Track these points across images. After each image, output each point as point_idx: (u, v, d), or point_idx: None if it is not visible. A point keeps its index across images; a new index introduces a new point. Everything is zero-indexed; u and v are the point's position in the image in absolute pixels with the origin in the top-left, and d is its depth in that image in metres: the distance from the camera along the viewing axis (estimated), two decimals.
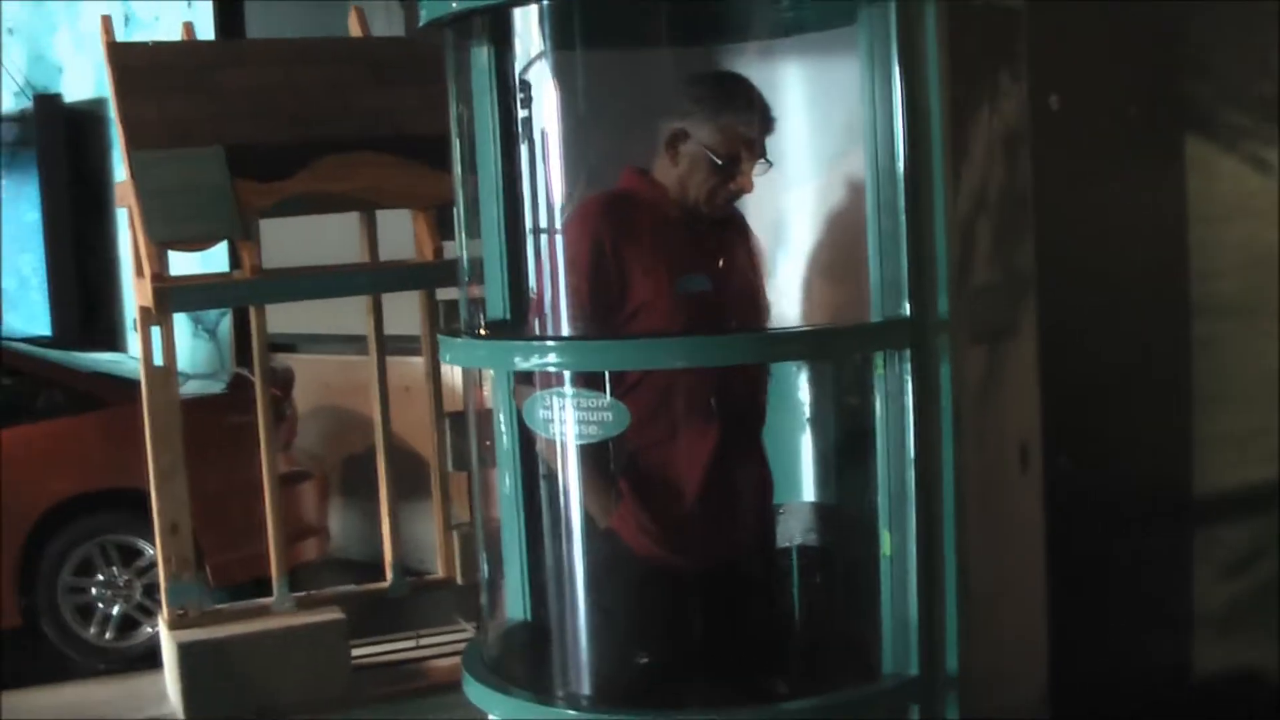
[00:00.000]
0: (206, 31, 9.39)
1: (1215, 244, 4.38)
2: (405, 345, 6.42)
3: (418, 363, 6.04)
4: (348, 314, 6.39)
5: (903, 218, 3.20)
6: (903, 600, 3.29)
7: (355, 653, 5.94)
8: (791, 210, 3.90)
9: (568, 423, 3.36)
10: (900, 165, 3.21)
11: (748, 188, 3.52)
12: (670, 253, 3.54)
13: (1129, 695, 4.31)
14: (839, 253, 3.75)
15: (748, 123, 3.48)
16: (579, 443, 3.40)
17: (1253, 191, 4.30)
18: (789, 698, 3.47)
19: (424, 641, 6.17)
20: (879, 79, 3.21)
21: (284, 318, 6.81)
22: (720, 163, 3.48)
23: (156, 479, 5.70)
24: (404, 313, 5.98)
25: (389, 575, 5.98)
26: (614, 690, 3.51)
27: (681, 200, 3.54)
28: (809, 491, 3.95)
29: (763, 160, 3.52)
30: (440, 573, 6.11)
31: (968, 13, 3.34)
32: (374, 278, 5.84)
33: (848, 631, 3.59)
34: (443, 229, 5.63)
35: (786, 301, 3.90)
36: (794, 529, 3.85)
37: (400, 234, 5.95)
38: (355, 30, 6.25)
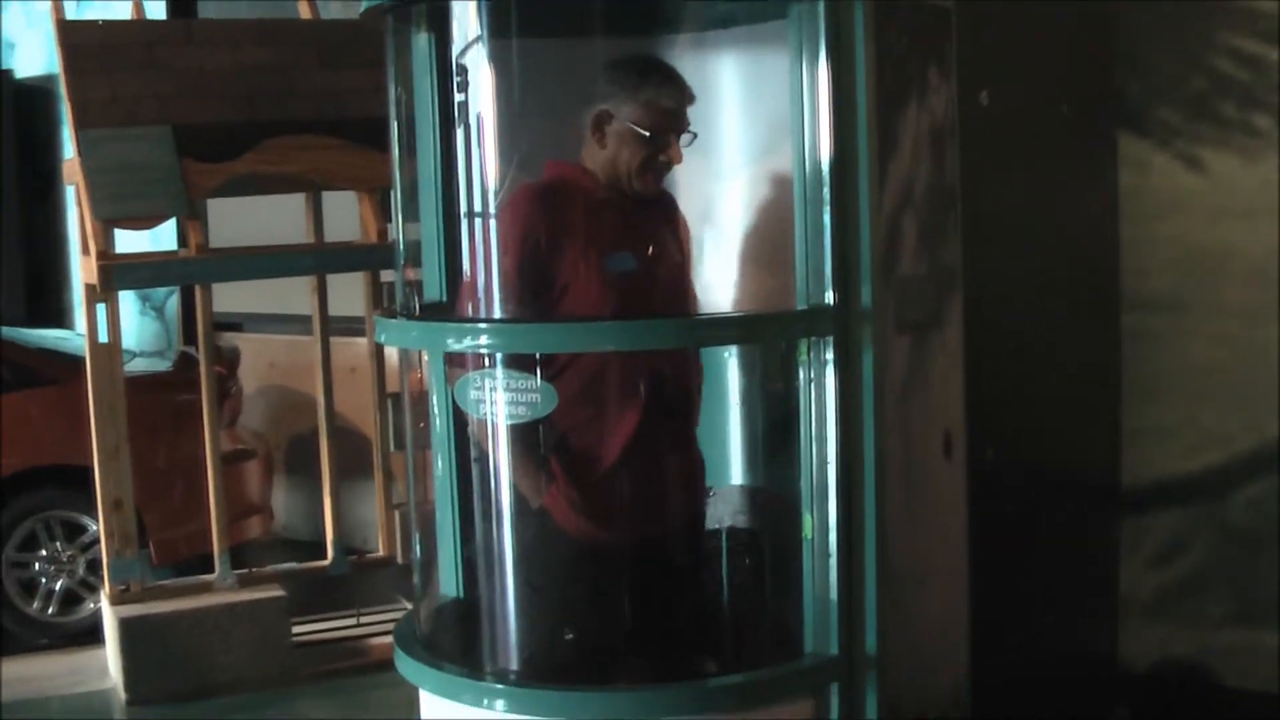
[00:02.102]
0: (158, 11, 9.36)
1: (1146, 241, 4.45)
2: (351, 326, 6.46)
3: (363, 343, 6.08)
4: (294, 294, 6.42)
5: (828, 209, 3.27)
6: (823, 581, 3.37)
7: (296, 630, 5.98)
8: (723, 200, 3.96)
9: (498, 404, 3.42)
10: (826, 157, 3.28)
11: (676, 159, 3.59)
12: (600, 233, 3.61)
13: (1056, 680, 4.38)
14: (768, 242, 3.81)
15: (668, 95, 3.56)
16: (509, 423, 3.46)
17: (1184, 189, 4.37)
18: (715, 675, 3.55)
19: (364, 619, 6.21)
20: (808, 73, 3.28)
21: (231, 297, 6.85)
22: (646, 135, 3.55)
23: (101, 456, 5.72)
24: (352, 294, 6.01)
25: (330, 553, 6.01)
26: (543, 666, 3.56)
27: (612, 181, 3.60)
28: (739, 475, 4.02)
29: (688, 132, 3.60)
30: (381, 551, 6.15)
31: (897, 9, 3.40)
32: (319, 258, 5.87)
33: (775, 612, 3.66)
34: (387, 211, 5.65)
35: (718, 289, 3.96)
36: (724, 512, 3.90)
37: (346, 215, 5.99)
38: (304, 13, 6.27)
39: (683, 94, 3.59)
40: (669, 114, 3.56)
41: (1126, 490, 4.57)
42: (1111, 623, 4.62)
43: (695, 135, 3.62)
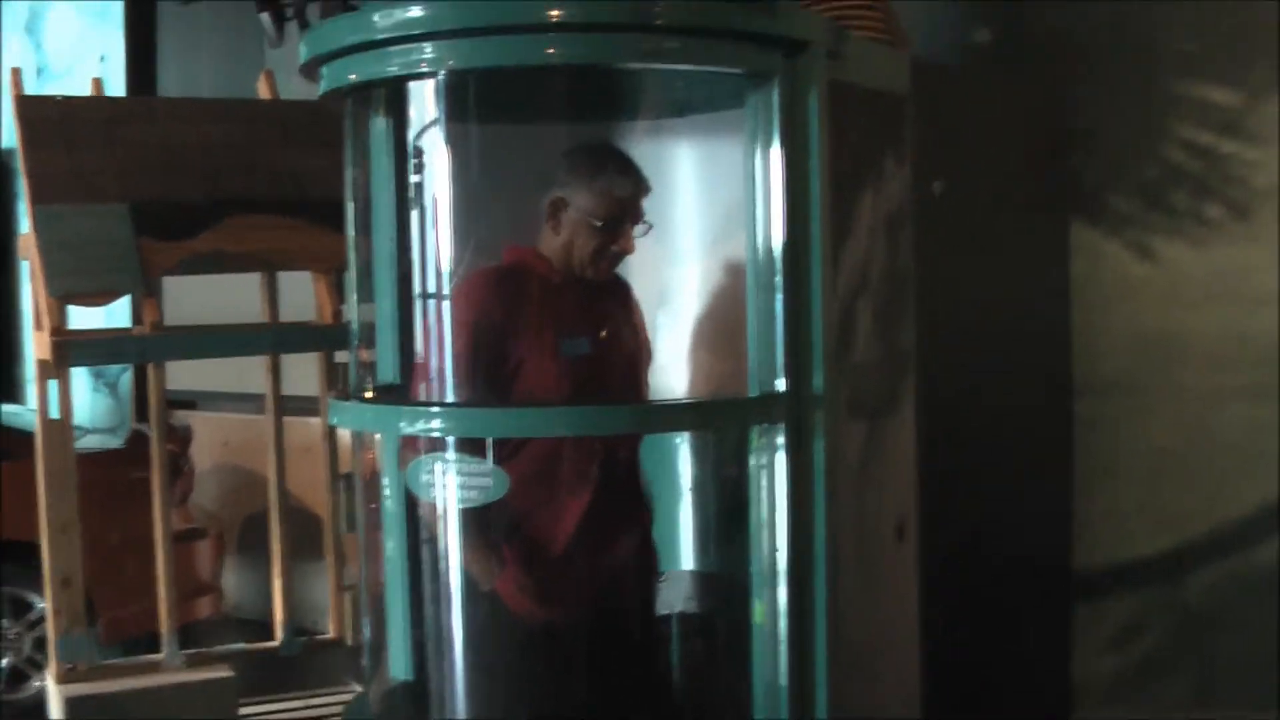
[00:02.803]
0: (119, 88, 9.38)
1: (1098, 326, 4.48)
2: (307, 406, 6.43)
3: (317, 423, 6.05)
4: (249, 372, 6.40)
5: (780, 295, 3.29)
6: (772, 667, 3.36)
7: (245, 711, 5.90)
8: (677, 285, 3.98)
9: (449, 487, 3.42)
10: (779, 244, 3.29)
11: (629, 248, 3.62)
12: (554, 317, 3.62)
13: None
14: (721, 327, 3.83)
15: (622, 185, 3.59)
16: (461, 506, 3.45)
17: (1135, 276, 4.40)
18: None
19: (314, 701, 6.15)
20: (762, 159, 3.31)
21: (185, 374, 6.81)
22: (599, 225, 3.57)
23: (50, 532, 5.66)
24: (307, 373, 5.99)
25: (280, 634, 5.97)
26: None
27: (566, 268, 3.63)
28: (690, 560, 4.01)
29: (643, 222, 3.63)
30: (332, 633, 6.10)
31: (853, 97, 3.44)
32: (274, 337, 5.84)
33: (728, 695, 3.64)
34: (343, 291, 5.65)
35: (670, 372, 3.97)
36: (675, 596, 3.90)
37: (302, 295, 5.98)
38: (264, 92, 6.28)
39: (638, 184, 3.62)
40: (623, 204, 3.59)
41: (1080, 572, 4.58)
42: (1067, 706, 4.61)
43: (650, 226, 3.64)
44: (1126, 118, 4.41)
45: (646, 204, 3.63)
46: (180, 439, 7.19)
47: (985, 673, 4.52)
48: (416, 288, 3.62)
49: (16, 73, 6.03)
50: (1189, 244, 4.32)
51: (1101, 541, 4.55)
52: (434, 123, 3.59)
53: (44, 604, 6.03)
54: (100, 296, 5.69)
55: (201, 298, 6.79)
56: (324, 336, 5.72)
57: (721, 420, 3.58)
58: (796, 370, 3.31)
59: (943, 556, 4.09)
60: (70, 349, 5.46)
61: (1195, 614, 4.39)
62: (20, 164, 5.69)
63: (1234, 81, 4.22)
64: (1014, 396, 4.51)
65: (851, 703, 3.44)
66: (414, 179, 3.61)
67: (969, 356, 4.33)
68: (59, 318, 5.47)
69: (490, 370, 3.53)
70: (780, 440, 3.31)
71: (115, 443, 7.73)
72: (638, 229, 3.62)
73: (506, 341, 3.55)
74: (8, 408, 8.35)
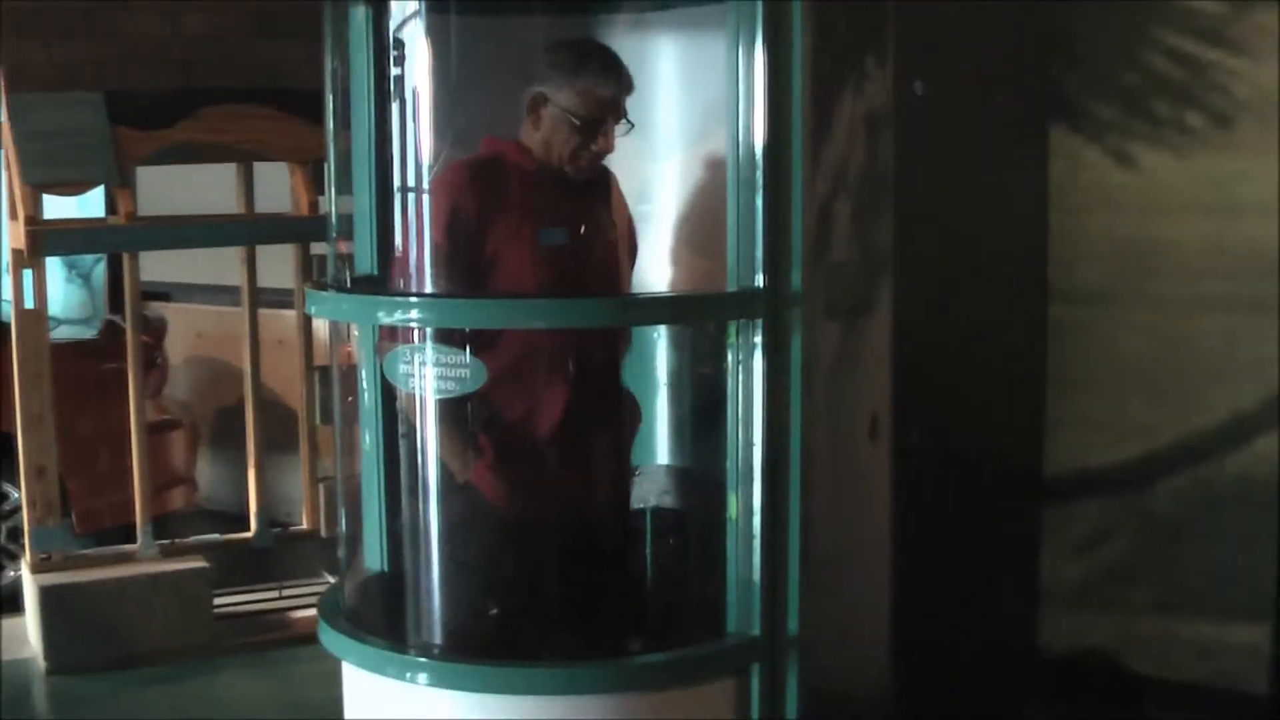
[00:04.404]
0: None
1: (1076, 232, 4.47)
2: (281, 298, 6.43)
3: (292, 316, 6.05)
4: (224, 265, 6.39)
5: (760, 193, 3.29)
6: (746, 562, 3.39)
7: (218, 602, 5.95)
8: (658, 181, 3.98)
9: (427, 378, 3.43)
10: (760, 142, 3.29)
11: (608, 148, 3.61)
12: (531, 209, 3.62)
13: (976, 665, 4.41)
14: (702, 225, 3.83)
15: (604, 84, 3.57)
16: (437, 398, 3.46)
17: (1114, 184, 4.40)
18: (639, 653, 3.56)
19: (287, 593, 6.19)
20: (744, 57, 3.30)
21: (159, 266, 6.80)
22: (579, 123, 3.56)
23: (24, 423, 5.68)
24: (282, 266, 5.99)
25: (254, 525, 6.00)
26: (467, 640, 3.57)
27: (546, 162, 3.61)
28: (665, 455, 4.03)
29: (624, 121, 3.62)
30: (305, 525, 6.13)
31: None
32: (249, 229, 5.84)
33: (700, 591, 3.68)
34: (320, 184, 5.64)
35: (650, 269, 3.97)
36: (649, 491, 3.92)
37: (278, 187, 5.96)
38: None
39: (620, 83, 3.60)
40: (604, 103, 3.57)
41: (1050, 479, 4.60)
42: (1032, 610, 4.65)
43: (631, 125, 3.63)
44: (1110, 23, 4.39)
45: (628, 99, 3.61)
46: (155, 331, 7.17)
47: (952, 575, 4.55)
48: (396, 180, 3.61)
49: None
50: (1170, 152, 4.31)
51: (1072, 447, 4.57)
52: (414, 14, 3.58)
53: (18, 494, 6.05)
54: (76, 186, 5.69)
55: (175, 192, 6.77)
56: (300, 228, 5.73)
57: (700, 315, 3.60)
58: (775, 268, 3.32)
59: (913, 458, 4.10)
60: (45, 238, 5.46)
61: (1162, 522, 4.42)
62: None
63: None
64: (990, 300, 4.51)
65: (821, 606, 3.48)
66: (394, 71, 3.59)
67: (946, 259, 4.31)
68: (34, 207, 5.45)
69: (467, 260, 3.53)
70: (758, 338, 3.33)
71: (89, 334, 7.72)
72: (620, 127, 3.61)
73: (482, 231, 3.55)
74: None
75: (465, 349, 3.40)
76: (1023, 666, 4.64)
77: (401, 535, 3.73)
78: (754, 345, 3.34)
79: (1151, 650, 4.46)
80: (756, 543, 3.38)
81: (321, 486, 5.86)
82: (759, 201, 3.30)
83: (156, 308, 8.07)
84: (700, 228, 3.88)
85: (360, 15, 3.67)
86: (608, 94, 3.58)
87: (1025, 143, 4.52)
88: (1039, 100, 4.50)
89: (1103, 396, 4.48)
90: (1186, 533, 4.36)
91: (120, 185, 5.60)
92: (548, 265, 3.58)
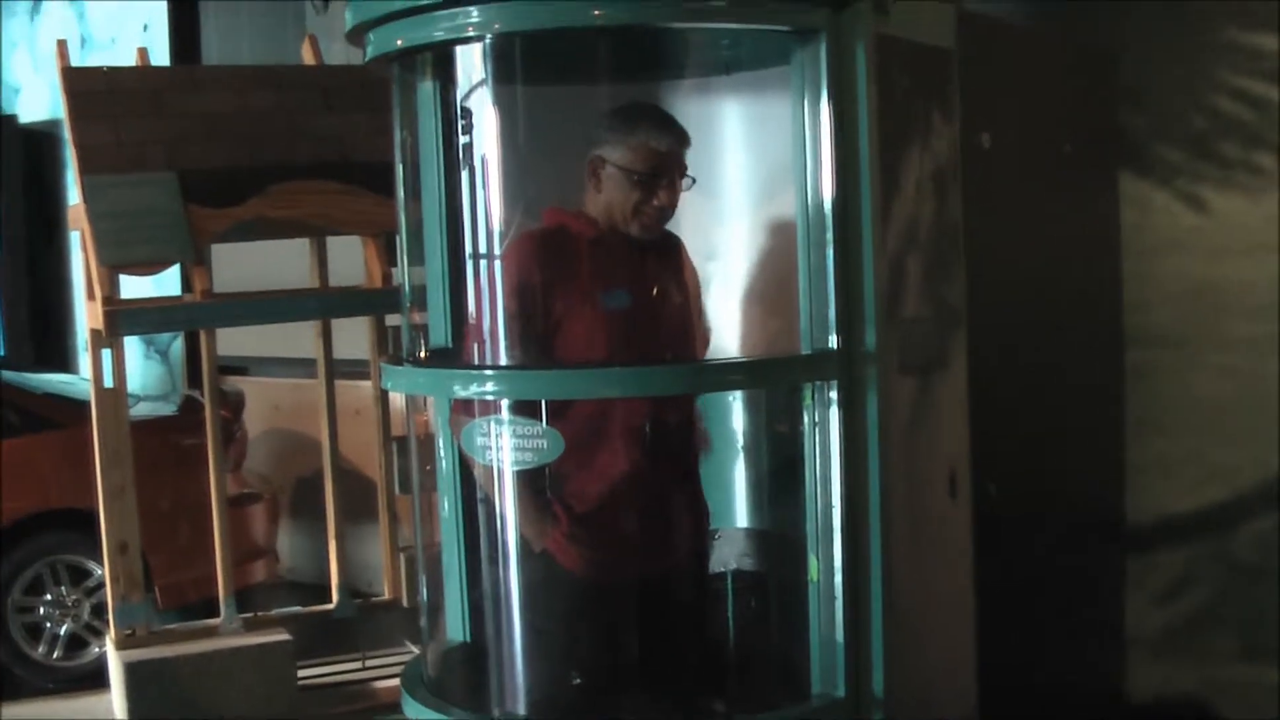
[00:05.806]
0: (162, 57, 9.41)
1: (1147, 276, 4.45)
2: (356, 369, 6.47)
3: (367, 386, 6.09)
4: (299, 337, 6.44)
5: (831, 251, 3.29)
6: (829, 623, 3.37)
7: (302, 673, 5.96)
8: (728, 242, 3.98)
9: (504, 449, 3.42)
10: (829, 200, 3.29)
11: (671, 203, 3.59)
12: (596, 274, 3.62)
13: (1063, 717, 4.37)
14: (773, 284, 3.83)
15: (658, 138, 3.56)
16: (516, 469, 3.47)
17: (1184, 227, 4.37)
18: (724, 716, 3.55)
19: (370, 662, 6.20)
20: (810, 116, 3.30)
21: (236, 340, 6.85)
22: (637, 178, 3.55)
23: (106, 499, 5.73)
24: (357, 336, 6.02)
25: (335, 596, 6.01)
26: (550, 709, 3.57)
27: (610, 226, 3.61)
28: (744, 518, 4.02)
29: (686, 176, 3.61)
30: (387, 594, 6.14)
31: (899, 51, 3.42)
32: (323, 302, 5.88)
33: (782, 653, 3.66)
34: (392, 255, 5.68)
35: (723, 330, 3.97)
36: (729, 554, 3.91)
37: (351, 260, 6.00)
38: (308, 58, 6.30)
39: (676, 137, 3.60)
40: (661, 157, 3.57)
41: (1131, 525, 4.57)
42: (1117, 658, 4.61)
43: (694, 180, 3.62)
44: (1176, 67, 4.38)
45: (694, 161, 3.60)
46: (232, 405, 7.24)
47: (1036, 628, 4.51)
48: (466, 249, 3.63)
49: (62, 44, 6.08)
50: (1240, 193, 4.29)
51: (1152, 493, 4.53)
52: (481, 84, 3.59)
53: (101, 571, 6.10)
54: (151, 265, 5.74)
55: (250, 267, 6.83)
56: (373, 300, 5.76)
57: (774, 379, 3.59)
58: (848, 327, 3.31)
59: (993, 510, 4.08)
60: (122, 317, 5.51)
61: (1245, 567, 4.37)
62: (68, 135, 5.73)
63: None
64: (1064, 348, 4.49)
65: (906, 664, 3.45)
66: (462, 140, 3.61)
67: (1019, 310, 4.30)
68: (110, 287, 5.51)
69: (532, 330, 3.53)
70: (833, 397, 3.32)
71: (168, 410, 7.79)
72: (683, 183, 3.60)
73: (545, 300, 3.54)
74: (61, 377, 8.42)
75: (542, 419, 3.39)
76: (1110, 717, 4.59)
77: (482, 604, 3.73)
78: (829, 405, 3.33)
79: (1238, 697, 4.40)
80: (839, 603, 3.36)
81: (402, 556, 5.87)
82: (830, 261, 3.30)
83: (234, 381, 8.15)
84: (770, 287, 3.88)
85: (428, 87, 3.71)
86: (663, 147, 3.57)
87: (1094, 189, 4.51)
88: (1106, 146, 4.49)
89: (1181, 440, 4.44)
90: (1269, 577, 4.31)
91: (195, 263, 5.65)
92: (615, 329, 3.57)
